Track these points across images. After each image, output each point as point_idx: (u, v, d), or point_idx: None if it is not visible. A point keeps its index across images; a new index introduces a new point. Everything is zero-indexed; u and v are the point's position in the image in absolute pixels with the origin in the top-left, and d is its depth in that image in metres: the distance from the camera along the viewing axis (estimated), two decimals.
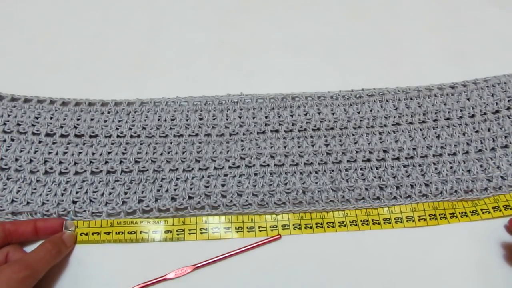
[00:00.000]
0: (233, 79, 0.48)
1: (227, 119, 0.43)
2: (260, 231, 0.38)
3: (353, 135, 0.43)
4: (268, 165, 0.41)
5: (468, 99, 0.47)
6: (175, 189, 0.39)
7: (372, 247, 0.38)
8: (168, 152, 0.41)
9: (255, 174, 0.40)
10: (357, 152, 0.42)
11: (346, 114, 0.45)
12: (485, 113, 0.46)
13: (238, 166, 0.41)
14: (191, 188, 0.39)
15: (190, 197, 0.39)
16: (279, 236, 0.37)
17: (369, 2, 0.56)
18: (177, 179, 0.40)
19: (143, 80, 0.48)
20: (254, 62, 0.50)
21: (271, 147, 0.42)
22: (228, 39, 0.52)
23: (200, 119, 0.43)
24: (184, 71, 0.49)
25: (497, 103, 0.46)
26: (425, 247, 0.38)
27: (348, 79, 0.48)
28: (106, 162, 0.40)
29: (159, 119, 0.43)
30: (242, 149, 0.41)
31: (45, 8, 0.54)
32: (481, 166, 0.42)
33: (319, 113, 0.44)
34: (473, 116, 0.46)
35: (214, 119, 0.43)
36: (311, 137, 0.43)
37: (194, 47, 0.51)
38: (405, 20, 0.55)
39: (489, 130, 0.45)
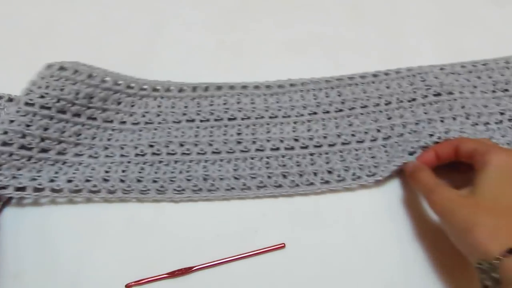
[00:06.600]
0: (233, 79, 0.49)
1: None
2: None
3: (267, 124, 0.46)
4: (175, 153, 0.43)
5: (388, 87, 0.48)
6: None
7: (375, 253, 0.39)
8: None
9: (160, 162, 0.43)
10: (268, 141, 0.45)
11: (265, 104, 0.47)
12: (401, 101, 0.47)
13: (144, 154, 0.43)
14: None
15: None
16: (282, 244, 0.39)
17: (369, 2, 0.57)
18: None
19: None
20: (255, 62, 0.52)
21: (182, 136, 0.44)
22: (228, 39, 0.54)
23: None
24: (184, 71, 0.50)
25: (414, 92, 0.48)
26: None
27: None
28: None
29: None
30: (152, 138, 0.44)
31: (45, 7, 0.56)
32: (385, 151, 0.44)
33: (238, 103, 0.47)
34: (389, 103, 0.47)
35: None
36: (225, 126, 0.45)
37: (194, 47, 0.53)
38: (405, 20, 0.55)
39: (401, 117, 0.46)
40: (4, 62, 0.51)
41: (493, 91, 0.48)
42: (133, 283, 0.36)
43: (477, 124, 0.45)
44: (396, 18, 0.55)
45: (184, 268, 0.37)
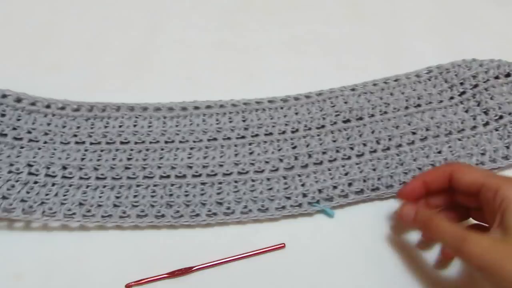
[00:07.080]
0: (233, 79, 0.49)
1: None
2: None
3: (161, 149, 0.43)
4: (56, 176, 0.40)
5: (296, 113, 0.46)
6: None
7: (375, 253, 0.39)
8: None
9: (35, 183, 0.39)
10: (158, 168, 0.42)
11: (163, 127, 0.44)
12: (309, 129, 0.45)
13: (20, 173, 0.39)
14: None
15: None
16: (282, 245, 0.38)
17: (370, 3, 0.57)
18: None
19: (142, 80, 0.49)
20: (254, 62, 0.51)
21: (67, 158, 0.41)
22: (228, 39, 0.53)
23: None
24: (184, 71, 0.50)
25: (324, 118, 0.45)
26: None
27: (348, 79, 0.48)
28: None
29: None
30: (33, 157, 0.41)
31: (44, 7, 0.56)
32: (285, 183, 0.41)
33: (134, 126, 0.44)
34: (296, 131, 0.45)
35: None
36: (116, 150, 0.42)
37: (194, 47, 0.52)
38: (405, 20, 0.56)
39: (307, 146, 0.44)
40: (4, 62, 0.50)
41: (406, 108, 0.46)
42: (133, 283, 0.36)
43: (388, 149, 0.44)
44: (396, 18, 0.56)
45: (184, 268, 0.37)
